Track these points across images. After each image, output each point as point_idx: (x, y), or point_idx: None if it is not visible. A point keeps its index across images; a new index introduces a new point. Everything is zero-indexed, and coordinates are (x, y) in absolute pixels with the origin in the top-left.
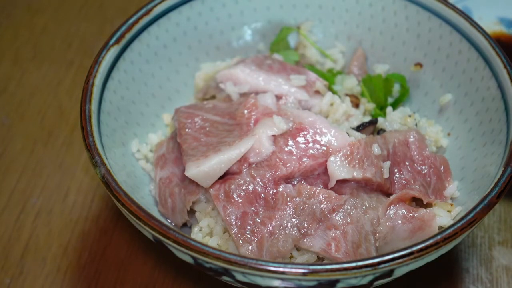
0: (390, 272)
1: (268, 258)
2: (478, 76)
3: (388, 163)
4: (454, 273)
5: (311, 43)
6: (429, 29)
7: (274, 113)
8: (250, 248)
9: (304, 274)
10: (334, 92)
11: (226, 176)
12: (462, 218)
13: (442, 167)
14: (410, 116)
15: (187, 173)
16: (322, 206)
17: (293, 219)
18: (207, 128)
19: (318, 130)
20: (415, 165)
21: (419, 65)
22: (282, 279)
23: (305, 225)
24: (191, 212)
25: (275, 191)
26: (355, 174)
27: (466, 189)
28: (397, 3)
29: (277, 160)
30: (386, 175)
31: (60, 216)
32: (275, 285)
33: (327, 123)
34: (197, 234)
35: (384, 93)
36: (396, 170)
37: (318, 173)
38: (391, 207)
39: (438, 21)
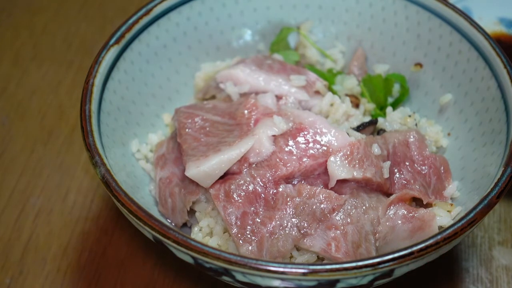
0: (390, 272)
1: (268, 258)
2: (478, 76)
3: (388, 163)
4: (454, 273)
5: (311, 43)
6: (429, 29)
7: (274, 113)
8: (250, 248)
9: (304, 274)
10: (334, 92)
11: (226, 176)
12: (462, 218)
13: (442, 167)
14: (410, 116)
15: (187, 173)
16: (322, 206)
17: (293, 219)
18: (207, 128)
19: (318, 130)
20: (415, 165)
21: (419, 65)
22: (282, 279)
23: (305, 225)
24: (191, 212)
25: (275, 191)
26: (355, 174)
27: (466, 189)
28: (397, 3)
29: (277, 160)
30: (386, 175)
31: (60, 216)
32: (275, 285)
33: (327, 123)
34: (197, 234)
35: (384, 93)
36: (396, 170)
37: (318, 173)
38: (391, 207)
39: (438, 21)
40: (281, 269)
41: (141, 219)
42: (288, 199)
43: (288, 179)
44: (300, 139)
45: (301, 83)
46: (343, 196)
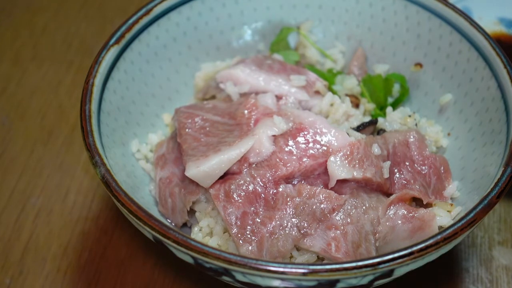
0: (390, 272)
1: (268, 258)
2: (478, 76)
3: (388, 163)
4: (454, 273)
5: (311, 43)
6: (429, 29)
7: (274, 113)
8: (250, 248)
9: (304, 274)
10: (334, 92)
11: (226, 176)
12: (462, 218)
13: (442, 167)
14: (410, 116)
15: (187, 173)
16: (322, 206)
17: (293, 219)
18: (207, 128)
19: (318, 130)
20: (415, 165)
21: (419, 65)
22: (282, 279)
23: (305, 225)
24: (191, 212)
25: (275, 191)
26: (355, 174)
27: (466, 189)
28: (397, 3)
29: (277, 160)
30: (386, 175)
31: (60, 216)
32: (275, 285)
33: (327, 123)
34: (197, 234)
35: (384, 93)
36: (396, 170)
37: (318, 173)
38: (391, 207)
39: (438, 21)
40: (281, 269)
41: (141, 219)
42: (288, 199)
43: (288, 179)
44: (300, 139)
45: (301, 83)
46: (343, 196)
